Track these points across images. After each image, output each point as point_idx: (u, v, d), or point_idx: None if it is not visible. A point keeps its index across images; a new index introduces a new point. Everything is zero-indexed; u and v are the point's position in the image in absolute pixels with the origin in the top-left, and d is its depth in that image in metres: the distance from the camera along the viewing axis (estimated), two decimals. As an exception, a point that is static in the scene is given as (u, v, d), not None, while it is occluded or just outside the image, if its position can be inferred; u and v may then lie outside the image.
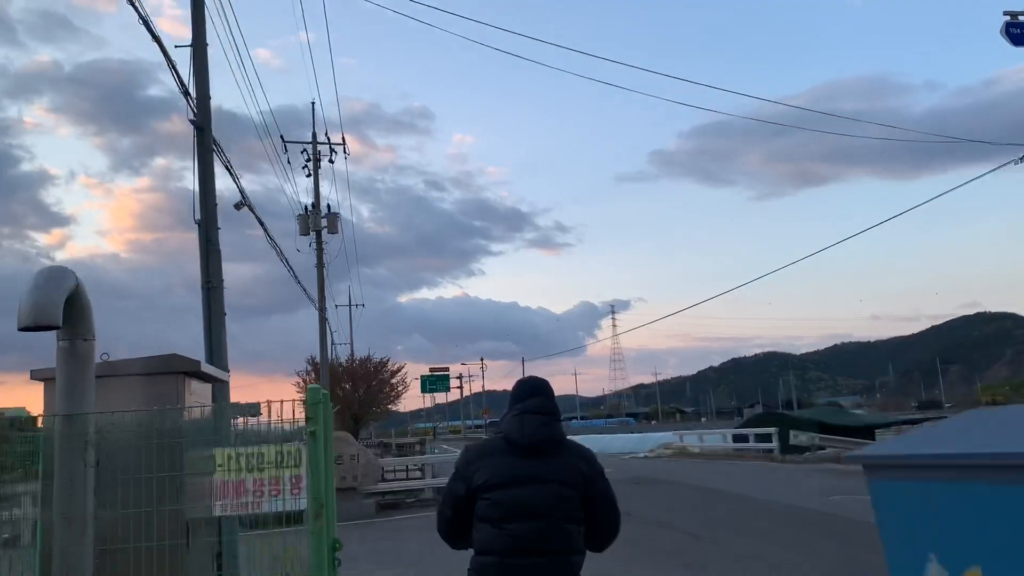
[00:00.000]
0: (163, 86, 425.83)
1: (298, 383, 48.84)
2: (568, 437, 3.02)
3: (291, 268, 23.78)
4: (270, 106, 52.71)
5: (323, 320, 27.26)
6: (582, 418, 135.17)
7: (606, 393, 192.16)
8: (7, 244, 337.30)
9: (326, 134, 29.03)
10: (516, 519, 2.77)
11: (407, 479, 21.87)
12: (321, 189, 28.45)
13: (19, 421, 4.79)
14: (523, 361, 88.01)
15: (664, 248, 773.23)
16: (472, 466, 2.92)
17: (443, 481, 15.96)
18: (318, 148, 28.56)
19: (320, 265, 27.70)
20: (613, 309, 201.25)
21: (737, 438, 27.71)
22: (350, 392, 46.99)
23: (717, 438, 30.96)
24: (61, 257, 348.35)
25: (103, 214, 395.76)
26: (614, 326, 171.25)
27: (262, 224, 15.06)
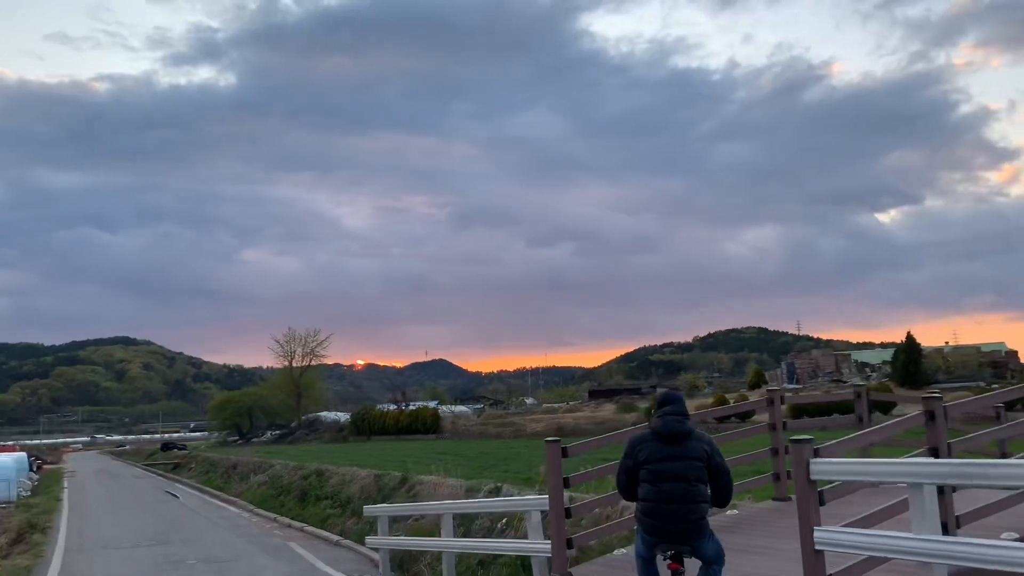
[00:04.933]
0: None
1: None
2: (695, 429, 5.11)
3: None
4: None
5: None
6: None
7: None
8: (962, 188, 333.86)
9: None
10: (666, 481, 4.89)
11: None
12: None
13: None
14: None
15: None
16: (636, 449, 5.10)
17: None
18: None
19: None
20: None
21: None
22: None
23: None
24: (1017, 192, 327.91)
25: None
26: None
27: None
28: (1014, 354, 74.21)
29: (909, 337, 60.87)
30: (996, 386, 49.63)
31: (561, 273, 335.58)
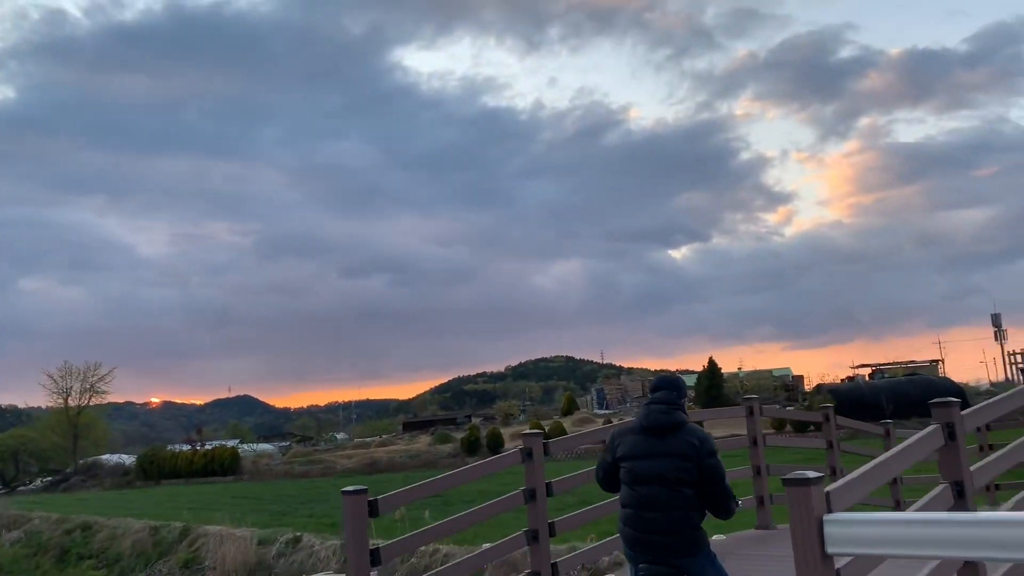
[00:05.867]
0: (854, 45, 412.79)
1: None
2: (689, 422, 4.08)
3: None
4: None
5: None
6: None
7: None
8: (743, 228, 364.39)
9: None
10: (643, 483, 3.98)
11: None
12: None
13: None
14: None
15: None
16: (615, 442, 4.25)
17: None
18: None
19: None
20: None
21: None
22: None
23: None
24: (790, 232, 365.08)
25: (820, 185, 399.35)
26: None
27: None
28: (800, 378, 79.78)
29: (711, 362, 63.57)
30: (791, 408, 52.48)
31: (375, 304, 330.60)
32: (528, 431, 6.48)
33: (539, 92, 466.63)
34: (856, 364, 79.48)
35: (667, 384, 4.24)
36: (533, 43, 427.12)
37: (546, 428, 44.29)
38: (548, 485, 6.38)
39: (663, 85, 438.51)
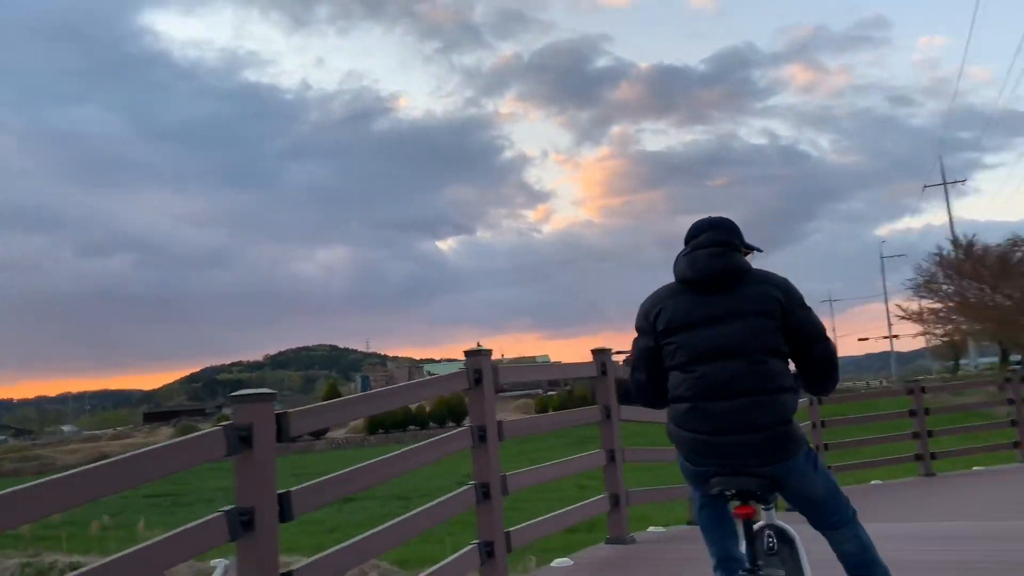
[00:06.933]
0: (609, 55, 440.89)
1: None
2: (757, 267, 2.67)
3: None
4: None
5: None
6: None
7: None
8: (506, 223, 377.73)
9: None
10: (706, 361, 2.53)
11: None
12: None
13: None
14: None
15: None
16: (651, 314, 2.68)
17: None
18: None
19: None
20: None
21: None
22: (986, 296, 31.29)
23: None
24: (547, 230, 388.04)
25: (575, 186, 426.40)
26: None
27: None
28: (558, 364, 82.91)
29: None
30: (553, 393, 53.52)
31: (118, 287, 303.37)
32: (239, 393, 2.81)
33: (306, 72, 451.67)
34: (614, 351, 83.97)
35: (716, 225, 2.75)
36: (300, 20, 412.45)
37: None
38: (283, 498, 2.99)
39: (432, 77, 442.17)
